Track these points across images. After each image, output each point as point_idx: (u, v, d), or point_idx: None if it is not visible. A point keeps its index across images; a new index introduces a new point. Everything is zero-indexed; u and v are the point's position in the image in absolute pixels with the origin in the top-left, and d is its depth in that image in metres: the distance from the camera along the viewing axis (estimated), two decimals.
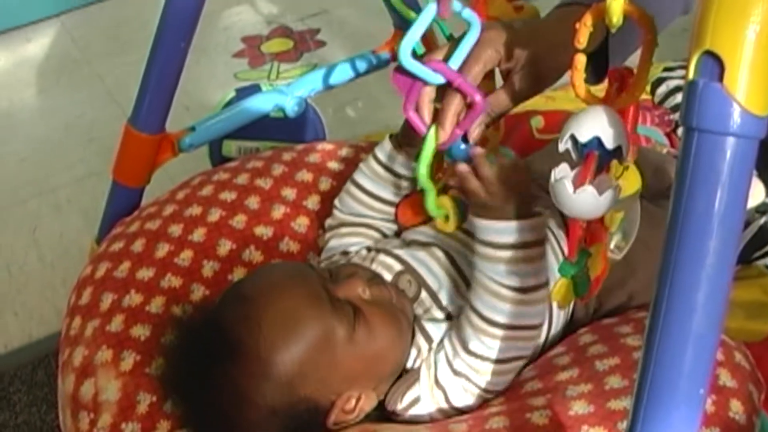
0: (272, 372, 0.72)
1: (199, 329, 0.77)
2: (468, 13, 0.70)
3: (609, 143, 0.57)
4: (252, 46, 1.79)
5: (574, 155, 0.59)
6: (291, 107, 1.15)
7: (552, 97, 1.37)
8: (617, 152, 0.58)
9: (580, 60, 0.60)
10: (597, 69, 0.75)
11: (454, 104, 0.71)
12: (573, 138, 0.58)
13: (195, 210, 0.96)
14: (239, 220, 0.94)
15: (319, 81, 1.14)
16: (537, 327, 0.75)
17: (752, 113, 0.45)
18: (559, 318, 0.83)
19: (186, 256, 0.91)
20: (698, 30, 0.45)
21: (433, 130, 0.71)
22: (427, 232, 0.85)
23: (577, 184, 0.57)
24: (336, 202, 0.89)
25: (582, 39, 0.58)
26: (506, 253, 0.72)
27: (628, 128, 0.62)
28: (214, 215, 0.95)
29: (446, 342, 0.76)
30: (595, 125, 0.57)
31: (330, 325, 0.73)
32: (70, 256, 1.34)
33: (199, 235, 0.93)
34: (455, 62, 0.70)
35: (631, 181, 0.63)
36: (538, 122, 1.22)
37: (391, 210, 0.86)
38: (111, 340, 0.85)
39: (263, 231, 0.94)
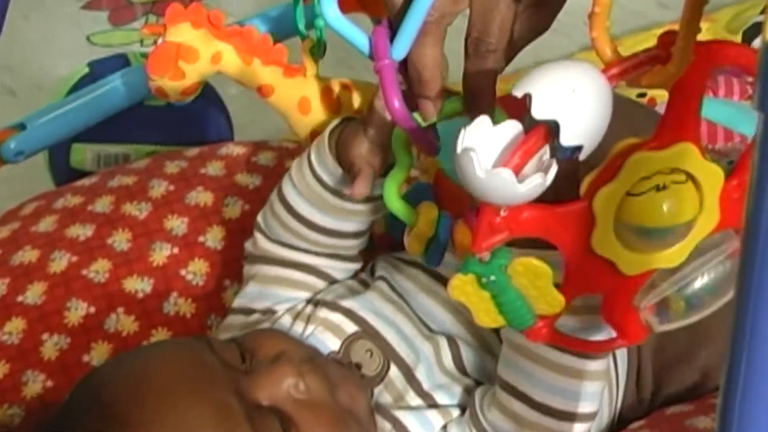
0: None
1: None
2: None
3: (537, 111, 0.58)
4: None
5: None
6: None
7: None
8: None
9: (602, 0, 0.60)
10: None
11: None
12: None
13: (28, 255, 0.95)
14: (99, 270, 0.94)
15: None
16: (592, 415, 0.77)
17: None
18: (601, 411, 0.83)
19: (14, 328, 0.90)
20: None
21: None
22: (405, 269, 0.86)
23: (501, 160, 0.58)
24: (259, 219, 0.89)
25: None
26: None
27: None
28: (60, 262, 0.95)
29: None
30: (533, 78, 0.58)
31: None
32: None
33: (35, 294, 0.93)
34: (399, 49, 0.71)
35: (684, 205, 0.62)
36: None
37: (345, 243, 0.86)
38: None
39: (137, 285, 0.94)
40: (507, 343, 0.77)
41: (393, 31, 0.72)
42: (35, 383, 0.88)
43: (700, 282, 0.65)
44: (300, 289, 0.87)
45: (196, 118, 1.22)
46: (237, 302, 0.89)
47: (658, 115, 0.64)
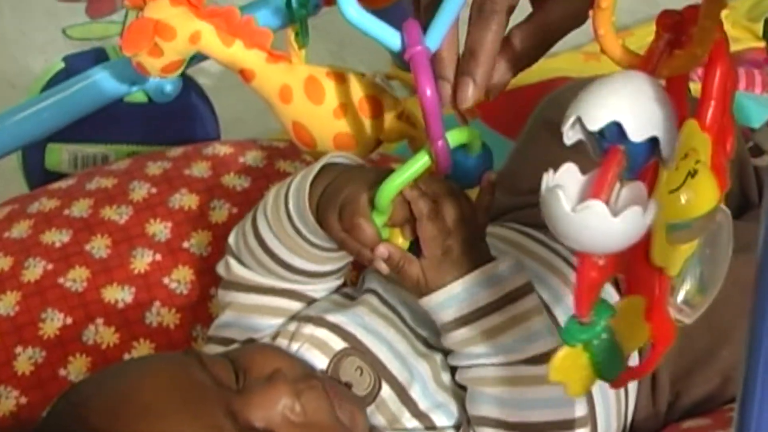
0: None
1: None
2: None
3: (635, 133, 0.56)
4: None
5: (592, 151, 0.58)
6: (160, 86, 1.15)
7: (596, 56, 1.38)
8: (655, 148, 0.58)
9: None
10: None
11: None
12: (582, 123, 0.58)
13: (0, 263, 0.95)
14: (77, 278, 0.94)
15: None
16: (576, 423, 0.77)
17: None
18: (608, 422, 0.83)
19: None
20: None
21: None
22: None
23: (587, 197, 0.56)
24: (231, 242, 0.87)
25: None
26: (487, 322, 0.76)
27: (682, 106, 0.62)
28: (34, 270, 0.94)
29: None
30: (612, 103, 0.57)
31: None
32: None
33: (7, 304, 0.92)
34: (434, 38, 0.72)
35: (702, 194, 0.61)
36: None
37: (325, 281, 0.86)
38: None
39: (117, 294, 0.94)
40: (461, 381, 0.79)
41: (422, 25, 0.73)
42: (8, 399, 0.88)
43: (702, 265, 0.65)
44: (281, 316, 0.86)
45: (180, 116, 1.22)
46: (215, 331, 0.88)
47: None
